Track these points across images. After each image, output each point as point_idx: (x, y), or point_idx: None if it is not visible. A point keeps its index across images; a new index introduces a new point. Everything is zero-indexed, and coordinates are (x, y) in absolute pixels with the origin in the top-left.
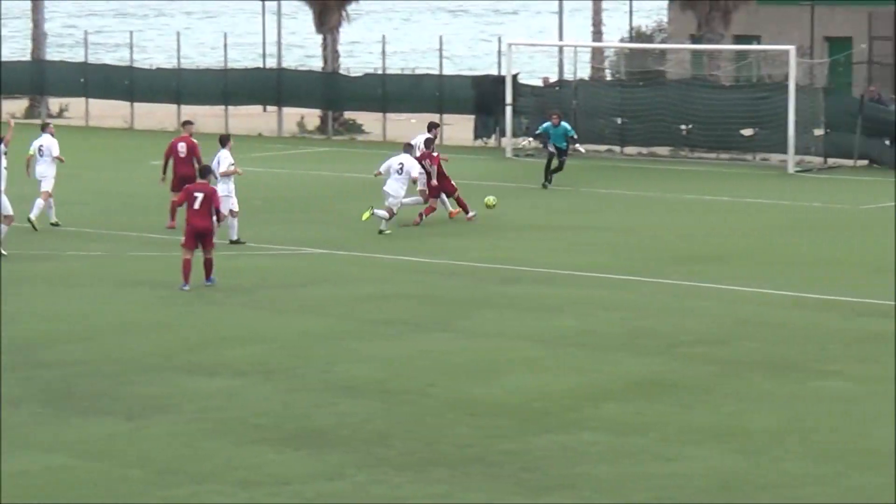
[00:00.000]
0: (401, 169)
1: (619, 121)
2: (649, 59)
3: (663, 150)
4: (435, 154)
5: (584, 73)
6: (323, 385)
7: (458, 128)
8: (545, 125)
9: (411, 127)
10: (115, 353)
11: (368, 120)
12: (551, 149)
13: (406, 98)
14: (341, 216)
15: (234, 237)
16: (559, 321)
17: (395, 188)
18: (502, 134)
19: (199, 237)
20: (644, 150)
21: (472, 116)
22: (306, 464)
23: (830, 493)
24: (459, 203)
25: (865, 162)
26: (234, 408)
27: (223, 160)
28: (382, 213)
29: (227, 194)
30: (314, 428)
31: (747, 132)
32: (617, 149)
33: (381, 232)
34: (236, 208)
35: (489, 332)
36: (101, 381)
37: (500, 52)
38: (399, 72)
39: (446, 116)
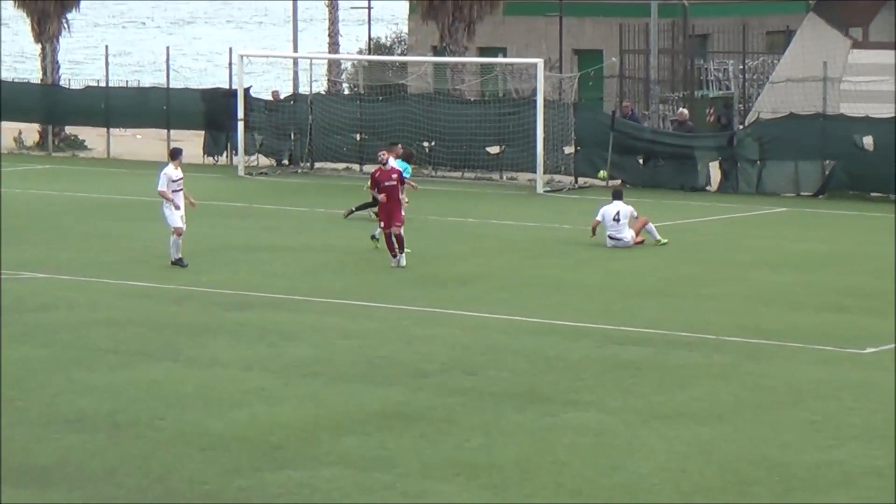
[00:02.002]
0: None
1: (357, 137)
2: (389, 73)
3: None
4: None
5: (321, 86)
6: (45, 418)
7: (189, 144)
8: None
9: (137, 143)
10: None
11: (91, 135)
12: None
13: (131, 112)
14: (64, 237)
15: None
16: (294, 349)
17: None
18: (234, 151)
19: None
20: None
21: (203, 132)
22: None
23: None
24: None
25: (618, 181)
26: None
27: None
28: None
29: None
30: (36, 465)
31: (493, 149)
32: (356, 167)
33: None
34: None
35: (221, 360)
36: None
37: (230, 63)
38: (123, 84)
39: (175, 132)
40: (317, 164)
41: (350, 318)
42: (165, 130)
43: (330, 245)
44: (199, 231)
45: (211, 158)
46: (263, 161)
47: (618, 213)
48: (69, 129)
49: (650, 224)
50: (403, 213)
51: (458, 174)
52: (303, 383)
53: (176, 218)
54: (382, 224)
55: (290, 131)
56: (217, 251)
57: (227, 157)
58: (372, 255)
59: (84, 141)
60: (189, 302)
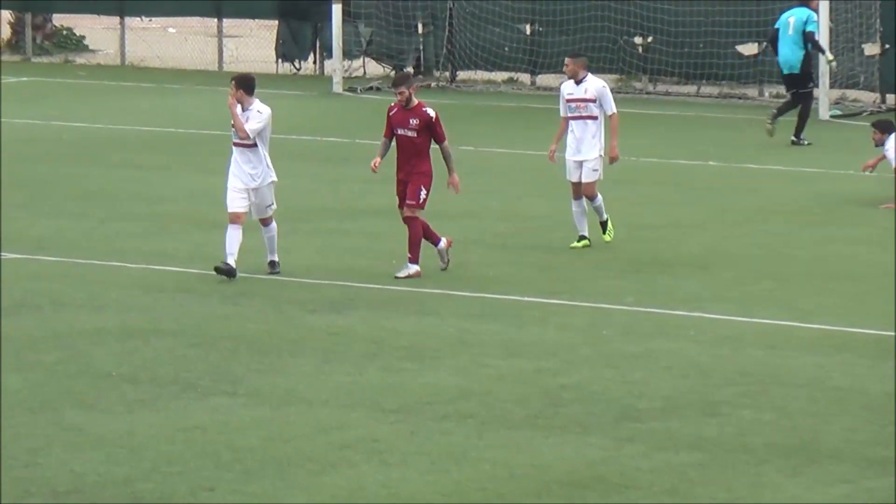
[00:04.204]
0: None
1: (526, 30)
2: None
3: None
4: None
5: None
6: (21, 490)
7: (252, 42)
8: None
9: (169, 41)
10: None
11: (95, 29)
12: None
13: None
14: (48, 196)
15: None
16: (425, 375)
17: None
18: (326, 53)
19: None
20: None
21: (275, 23)
22: None
23: None
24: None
25: None
26: None
27: None
28: None
29: None
30: None
31: (748, 49)
32: (525, 78)
33: None
34: None
35: (303, 394)
36: None
37: None
38: None
39: (230, 24)
40: (460, 74)
41: (516, 325)
42: (214, 21)
43: (483, 207)
44: (283, 183)
45: (289, 65)
46: (374, 69)
47: None
48: (59, 20)
49: None
50: (423, 192)
51: (692, 88)
52: (440, 431)
53: (234, 191)
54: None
55: (416, 21)
56: (298, 217)
57: (314, 62)
58: (557, 224)
59: (83, 38)
60: (251, 299)
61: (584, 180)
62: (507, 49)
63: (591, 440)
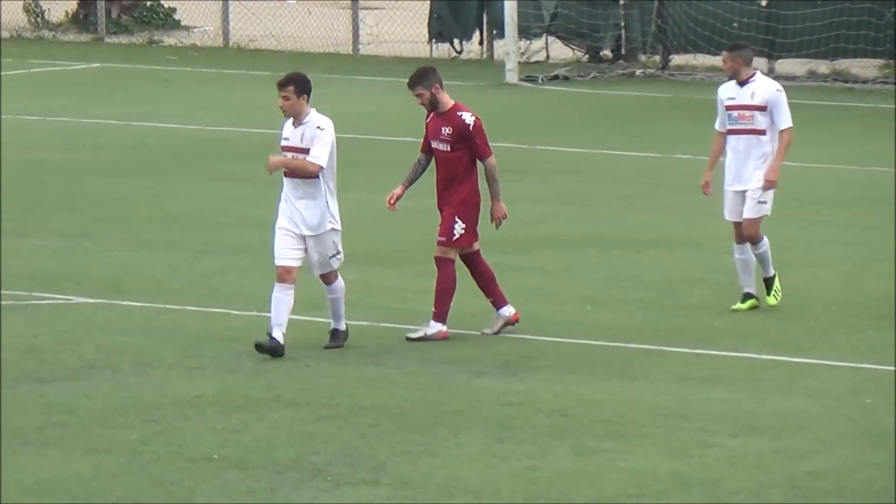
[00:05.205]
0: None
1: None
2: None
3: None
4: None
5: None
6: None
7: (396, 18)
8: None
9: (290, 15)
10: None
11: (188, 3)
12: None
13: None
14: (118, 217)
15: None
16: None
17: None
18: (495, 32)
19: None
20: None
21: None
22: None
23: None
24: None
25: None
26: None
27: None
28: None
29: None
30: None
31: None
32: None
33: None
34: None
35: (471, 485)
36: None
37: None
38: None
39: None
40: (674, 58)
41: (750, 391)
42: None
43: (705, 234)
44: (417, 204)
45: (447, 46)
46: (560, 52)
47: None
48: None
49: None
50: (459, 227)
51: None
52: None
53: (284, 238)
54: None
55: None
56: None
57: (480, 43)
58: (802, 256)
59: (173, 11)
60: (398, 357)
61: (746, 216)
62: (735, 25)
63: None
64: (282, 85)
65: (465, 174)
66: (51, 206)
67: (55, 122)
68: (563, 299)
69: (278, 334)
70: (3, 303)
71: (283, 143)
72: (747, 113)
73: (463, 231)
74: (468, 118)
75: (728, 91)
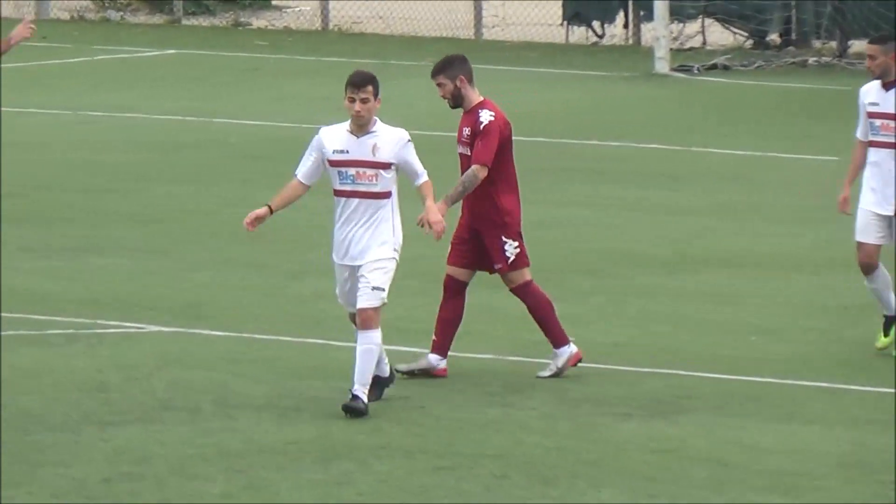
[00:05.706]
0: None
1: None
2: None
3: None
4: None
5: None
6: None
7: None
8: None
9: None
10: None
11: None
12: None
13: None
14: (204, 233)
15: None
16: None
17: None
18: (640, 17)
19: None
20: None
21: None
22: None
23: None
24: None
25: None
26: None
27: None
28: None
29: None
30: None
31: None
32: None
33: None
34: None
35: None
36: None
37: None
38: None
39: None
40: (853, 45)
41: None
42: None
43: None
44: (556, 214)
45: (583, 30)
46: (719, 37)
47: None
48: None
49: None
50: (510, 247)
51: None
52: None
53: (344, 280)
54: None
55: None
56: (596, 268)
57: (625, 26)
58: None
59: None
60: (528, 397)
61: (884, 242)
62: None
63: None
64: (358, 85)
65: (494, 181)
66: (118, 218)
67: (123, 119)
68: (722, 329)
69: (363, 394)
70: (63, 332)
71: (339, 156)
72: (892, 124)
73: (515, 250)
74: (484, 116)
75: (870, 94)
